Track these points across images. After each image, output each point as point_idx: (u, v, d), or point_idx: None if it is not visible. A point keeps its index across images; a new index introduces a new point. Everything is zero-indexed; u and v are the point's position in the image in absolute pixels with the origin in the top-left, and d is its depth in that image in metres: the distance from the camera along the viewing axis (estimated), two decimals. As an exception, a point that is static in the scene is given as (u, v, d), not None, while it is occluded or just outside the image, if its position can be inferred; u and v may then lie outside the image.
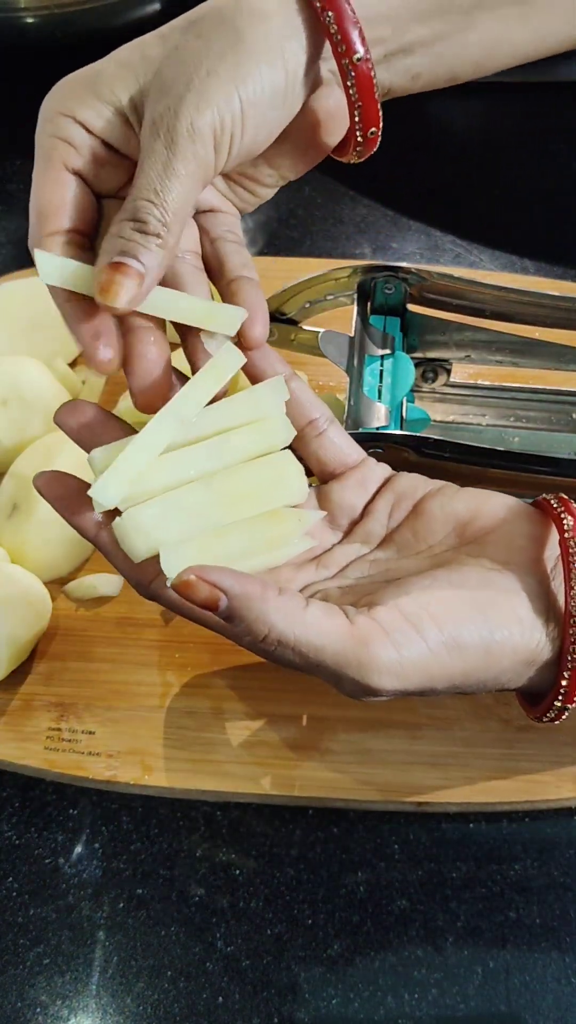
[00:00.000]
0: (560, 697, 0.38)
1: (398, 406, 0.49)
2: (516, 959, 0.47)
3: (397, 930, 0.48)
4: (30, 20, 0.75)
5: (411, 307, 0.53)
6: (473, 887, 0.49)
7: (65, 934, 0.47)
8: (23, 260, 0.70)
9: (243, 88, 0.34)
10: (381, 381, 0.50)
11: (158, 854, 0.49)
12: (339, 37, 0.34)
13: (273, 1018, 0.45)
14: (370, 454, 0.46)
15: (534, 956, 0.47)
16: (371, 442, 0.46)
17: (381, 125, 0.37)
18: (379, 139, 0.37)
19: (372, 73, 0.35)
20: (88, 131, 0.37)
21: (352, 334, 0.52)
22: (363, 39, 0.35)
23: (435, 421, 0.57)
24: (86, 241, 0.37)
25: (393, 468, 0.47)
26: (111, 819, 0.50)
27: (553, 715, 0.39)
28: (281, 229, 0.75)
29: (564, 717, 0.39)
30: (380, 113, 0.37)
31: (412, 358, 0.53)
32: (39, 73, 0.84)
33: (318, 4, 0.34)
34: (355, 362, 0.50)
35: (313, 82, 0.37)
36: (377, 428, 0.48)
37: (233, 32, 0.34)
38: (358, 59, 0.35)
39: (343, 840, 0.50)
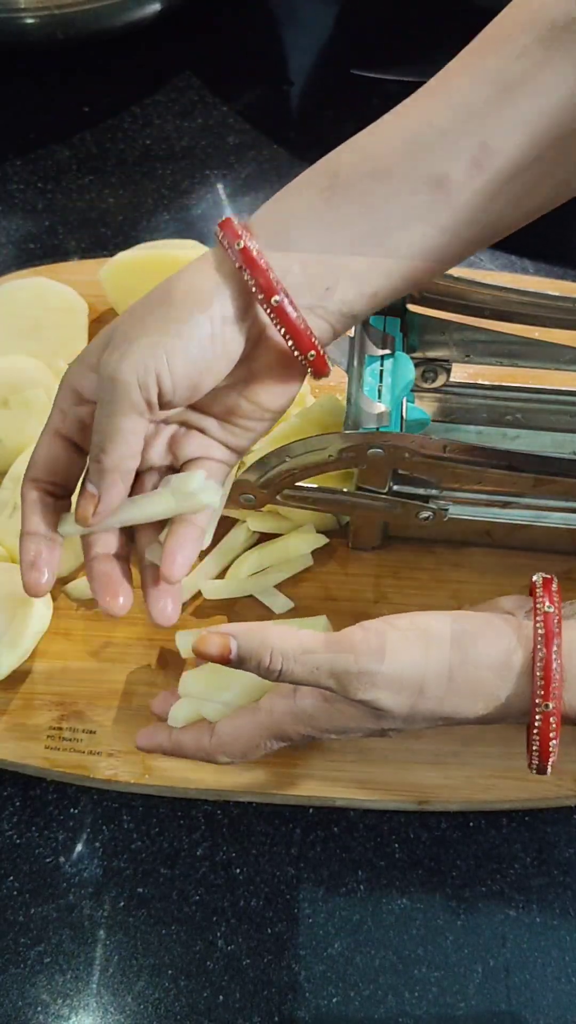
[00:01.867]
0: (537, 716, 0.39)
1: (398, 406, 0.50)
2: (516, 958, 0.47)
3: (397, 929, 0.48)
4: (30, 20, 0.75)
5: (411, 307, 0.53)
6: (473, 886, 0.49)
7: (66, 933, 0.47)
8: (23, 260, 0.70)
9: (168, 339, 0.40)
10: (381, 381, 0.50)
11: (159, 853, 0.49)
12: (254, 285, 0.40)
13: (274, 1016, 0.45)
14: (370, 455, 0.46)
15: (534, 955, 0.47)
16: (371, 442, 0.47)
17: (319, 348, 0.41)
18: (326, 359, 0.42)
19: (290, 309, 0.40)
20: (82, 397, 0.43)
21: (352, 334, 0.52)
22: (277, 283, 0.40)
23: (435, 421, 0.57)
24: (58, 489, 0.45)
25: (393, 467, 0.47)
26: (112, 818, 0.50)
27: (537, 748, 0.40)
28: (281, 229, 0.75)
29: (551, 754, 0.40)
30: (313, 339, 0.41)
31: (412, 358, 0.53)
32: (39, 73, 0.85)
33: (236, 264, 0.40)
34: (355, 362, 0.51)
35: (253, 326, 0.42)
36: (377, 428, 0.48)
37: (166, 293, 0.41)
38: (275, 301, 0.40)
39: (343, 839, 0.50)
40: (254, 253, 0.40)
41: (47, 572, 0.44)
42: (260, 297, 0.40)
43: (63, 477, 0.45)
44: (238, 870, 0.49)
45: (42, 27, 0.76)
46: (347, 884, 0.49)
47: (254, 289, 0.40)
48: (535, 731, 0.39)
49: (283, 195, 0.42)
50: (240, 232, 0.40)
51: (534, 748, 0.40)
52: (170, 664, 0.54)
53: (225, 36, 0.89)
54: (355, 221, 0.41)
